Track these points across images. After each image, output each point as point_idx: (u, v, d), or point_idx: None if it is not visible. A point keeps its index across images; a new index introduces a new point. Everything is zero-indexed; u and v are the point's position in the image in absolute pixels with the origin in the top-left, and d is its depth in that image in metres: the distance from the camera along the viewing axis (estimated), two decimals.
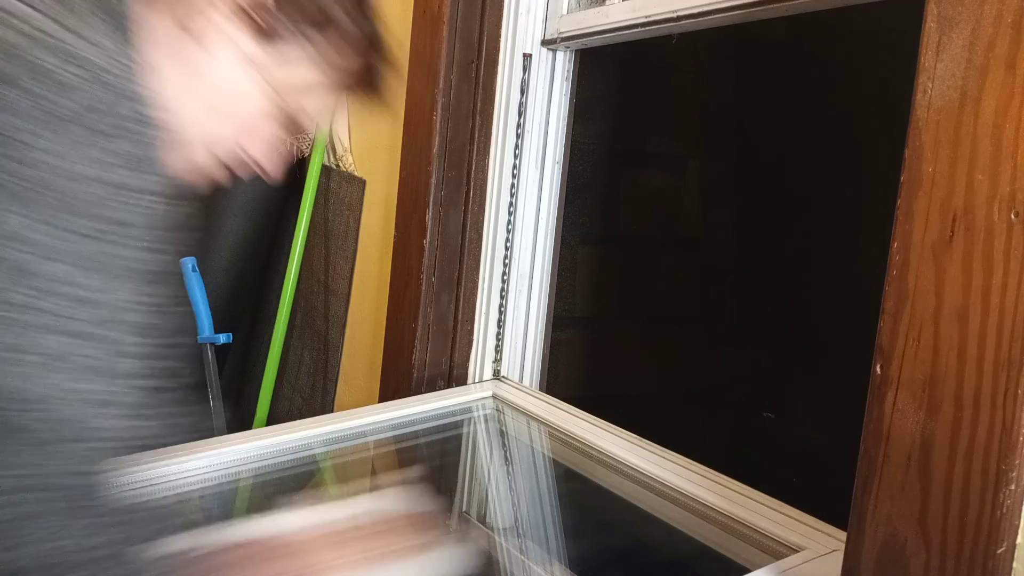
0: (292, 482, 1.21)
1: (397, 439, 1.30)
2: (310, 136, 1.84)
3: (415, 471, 1.17)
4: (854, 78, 2.10)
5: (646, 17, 1.16)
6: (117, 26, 0.58)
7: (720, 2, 1.04)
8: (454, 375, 1.44)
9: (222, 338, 1.72)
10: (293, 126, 0.73)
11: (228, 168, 0.72)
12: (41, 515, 0.52)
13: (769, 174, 2.30)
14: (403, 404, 1.33)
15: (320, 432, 1.23)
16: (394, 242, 1.50)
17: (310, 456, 1.23)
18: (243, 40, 0.65)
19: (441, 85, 1.38)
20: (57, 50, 0.53)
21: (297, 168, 1.95)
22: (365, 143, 1.74)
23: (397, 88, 1.52)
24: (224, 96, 0.66)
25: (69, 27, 0.54)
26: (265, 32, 0.65)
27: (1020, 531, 0.63)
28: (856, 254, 2.01)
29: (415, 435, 1.31)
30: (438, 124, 1.38)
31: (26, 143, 0.51)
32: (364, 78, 0.74)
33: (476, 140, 1.41)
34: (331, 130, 1.80)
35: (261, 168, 0.73)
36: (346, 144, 1.80)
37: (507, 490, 1.23)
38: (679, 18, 1.11)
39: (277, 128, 0.72)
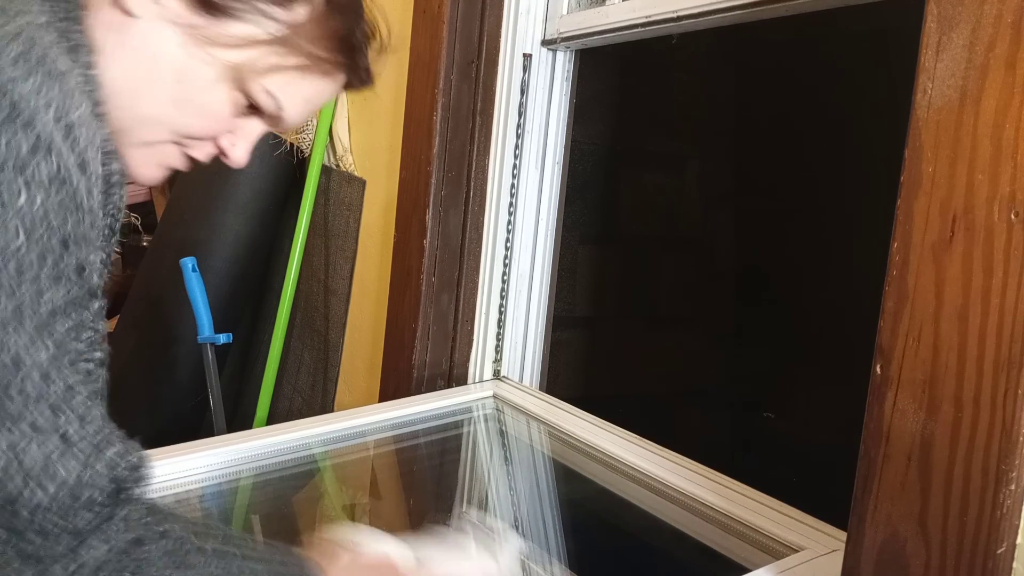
0: (291, 482, 1.21)
1: (397, 439, 1.30)
2: (309, 138, 1.84)
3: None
4: (854, 77, 2.10)
5: (646, 17, 1.16)
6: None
7: (720, 2, 1.04)
8: (454, 375, 1.44)
9: (222, 338, 1.72)
10: (274, 121, 0.67)
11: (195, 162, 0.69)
12: None
13: (769, 173, 2.30)
14: (403, 404, 1.33)
15: (320, 432, 1.23)
16: (394, 242, 1.50)
17: (310, 456, 1.23)
18: (184, 14, 0.60)
19: (441, 85, 1.37)
20: None
21: (297, 168, 1.95)
22: (365, 143, 1.74)
23: (397, 81, 1.53)
24: (182, 83, 0.60)
25: None
26: (212, 6, 0.60)
27: (1020, 531, 0.63)
28: (856, 254, 2.01)
29: (415, 435, 1.31)
30: (438, 124, 1.38)
31: None
32: (349, 66, 0.69)
33: (476, 140, 1.41)
34: (331, 130, 1.80)
35: (230, 160, 0.70)
36: (346, 144, 1.80)
37: (507, 489, 1.23)
38: (679, 18, 1.11)
39: (257, 123, 0.67)
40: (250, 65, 0.62)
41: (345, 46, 0.67)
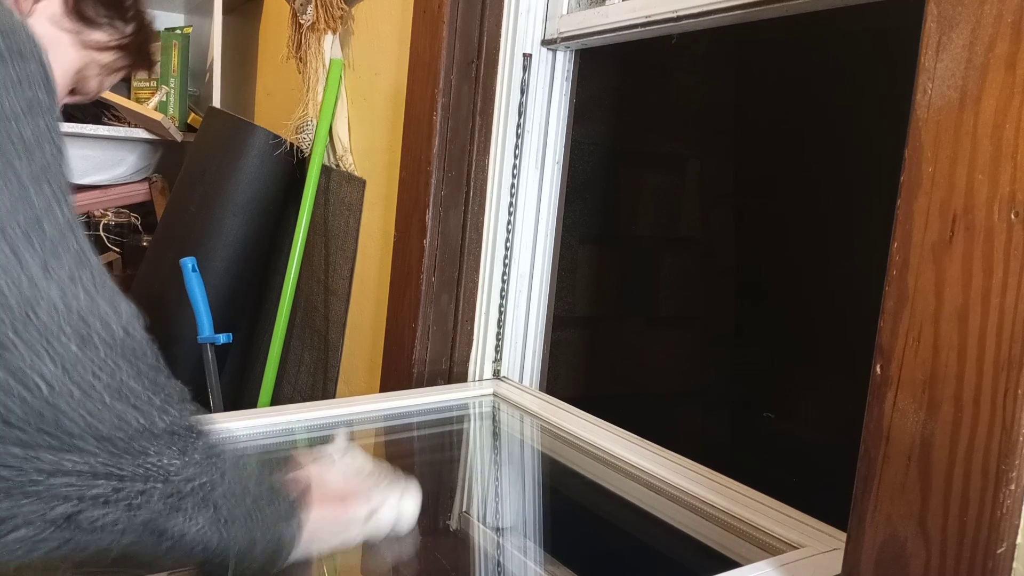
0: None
1: (390, 430, 1.30)
2: (309, 138, 1.84)
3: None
4: (854, 77, 2.10)
5: (646, 17, 1.16)
6: None
7: (720, 2, 1.04)
8: (454, 374, 1.44)
9: (222, 338, 1.72)
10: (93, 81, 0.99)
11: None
12: None
13: (769, 173, 2.30)
14: (399, 396, 1.33)
15: (310, 417, 1.23)
16: (394, 242, 1.50)
17: (292, 442, 1.22)
18: (59, 17, 0.91)
19: (441, 85, 1.38)
20: None
21: (297, 168, 1.95)
22: (365, 143, 1.75)
23: (397, 81, 1.53)
24: (51, 49, 0.81)
25: None
26: (78, 13, 0.93)
27: (1020, 531, 0.63)
28: (856, 254, 2.01)
29: (409, 427, 1.31)
30: (438, 124, 1.38)
31: None
32: (146, 55, 1.05)
33: (476, 140, 1.41)
34: (331, 130, 1.80)
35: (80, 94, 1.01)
36: (346, 144, 1.80)
37: (506, 487, 1.23)
38: (679, 18, 1.11)
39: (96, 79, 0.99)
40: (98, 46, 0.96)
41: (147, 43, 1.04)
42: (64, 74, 0.95)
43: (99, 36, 0.97)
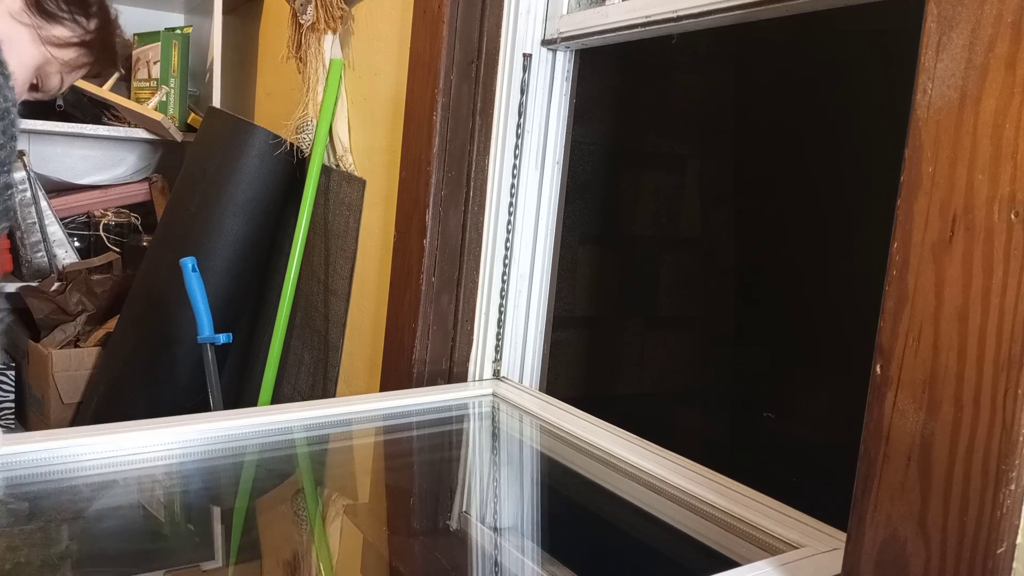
0: (268, 465, 1.20)
1: (389, 429, 1.30)
2: (309, 138, 1.84)
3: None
4: (854, 77, 2.10)
5: (646, 17, 1.16)
6: None
7: (720, 2, 1.04)
8: (454, 374, 1.44)
9: (222, 338, 1.72)
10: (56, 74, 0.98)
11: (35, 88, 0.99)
12: None
13: (769, 173, 2.30)
14: (399, 395, 1.34)
15: (308, 416, 1.23)
16: (394, 242, 1.51)
17: (290, 440, 1.23)
18: (18, 11, 0.91)
19: (441, 85, 1.38)
20: None
21: (297, 168, 1.95)
22: (365, 143, 1.75)
23: (397, 81, 1.53)
24: (9, 45, 0.87)
25: None
26: (38, 8, 0.92)
27: (1020, 531, 0.63)
28: (856, 254, 2.01)
29: (409, 427, 1.31)
30: (438, 124, 1.38)
31: None
32: (110, 52, 1.03)
33: (476, 140, 1.41)
34: (331, 130, 1.80)
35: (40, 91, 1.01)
36: (346, 144, 1.80)
37: (506, 487, 1.23)
38: (679, 18, 1.11)
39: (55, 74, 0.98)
40: (60, 41, 0.95)
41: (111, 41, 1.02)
42: (24, 70, 0.92)
43: (60, 32, 0.94)
